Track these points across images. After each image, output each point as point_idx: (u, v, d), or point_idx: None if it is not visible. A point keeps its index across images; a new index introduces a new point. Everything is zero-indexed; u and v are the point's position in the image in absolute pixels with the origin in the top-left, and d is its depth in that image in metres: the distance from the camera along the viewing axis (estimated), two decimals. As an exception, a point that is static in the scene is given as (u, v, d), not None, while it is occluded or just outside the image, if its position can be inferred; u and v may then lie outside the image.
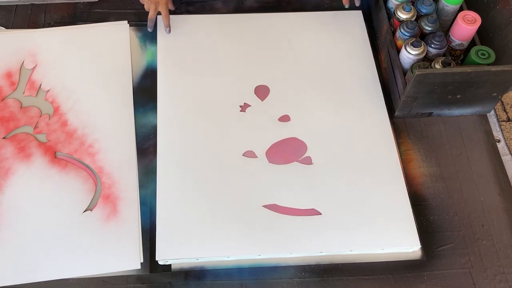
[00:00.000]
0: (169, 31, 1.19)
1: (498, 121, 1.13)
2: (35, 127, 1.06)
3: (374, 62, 1.18)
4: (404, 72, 1.08)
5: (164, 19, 1.18)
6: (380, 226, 0.96)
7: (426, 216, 1.00)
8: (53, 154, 1.03)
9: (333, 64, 1.17)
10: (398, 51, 1.09)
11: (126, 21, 1.22)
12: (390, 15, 1.16)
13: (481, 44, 1.10)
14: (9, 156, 1.03)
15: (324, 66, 1.17)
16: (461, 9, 1.13)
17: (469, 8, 1.14)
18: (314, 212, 0.97)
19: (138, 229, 0.96)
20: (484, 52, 1.04)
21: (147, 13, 1.19)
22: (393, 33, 1.13)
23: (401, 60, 1.08)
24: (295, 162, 1.04)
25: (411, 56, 1.05)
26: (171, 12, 1.22)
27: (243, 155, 1.04)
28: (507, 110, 1.86)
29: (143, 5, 1.20)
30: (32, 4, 1.25)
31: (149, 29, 1.19)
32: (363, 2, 1.27)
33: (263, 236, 0.95)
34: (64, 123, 1.07)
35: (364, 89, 1.14)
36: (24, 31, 1.20)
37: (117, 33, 1.20)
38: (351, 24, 1.24)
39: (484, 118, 1.12)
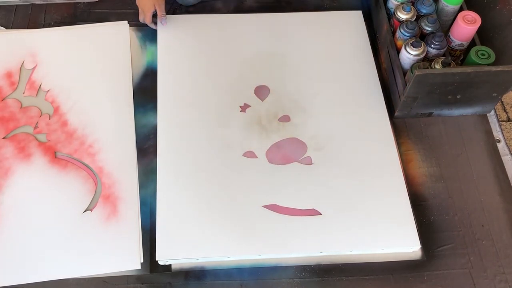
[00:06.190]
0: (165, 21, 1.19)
1: (498, 121, 1.13)
2: (35, 127, 1.06)
3: (374, 62, 1.18)
4: (404, 72, 1.07)
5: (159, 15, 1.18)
6: (380, 226, 0.96)
7: (426, 216, 1.00)
8: (53, 154, 1.03)
9: (333, 64, 1.17)
10: (398, 51, 1.09)
11: (126, 21, 1.22)
12: (390, 15, 1.16)
13: (481, 44, 1.10)
14: (9, 156, 1.03)
15: (324, 66, 1.17)
16: (461, 9, 1.13)
17: (469, 8, 1.14)
18: (314, 212, 0.97)
19: (138, 229, 0.96)
20: (484, 52, 1.04)
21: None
22: (393, 33, 1.13)
23: (401, 61, 1.08)
24: (295, 162, 1.03)
25: (411, 57, 1.05)
26: (174, 13, 1.23)
27: (243, 155, 1.04)
28: (507, 110, 1.86)
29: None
30: (32, 4, 1.25)
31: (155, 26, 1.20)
32: (363, 2, 1.27)
33: (263, 236, 0.95)
34: (64, 123, 1.07)
35: (364, 89, 1.14)
36: (24, 31, 1.20)
37: (117, 33, 1.20)
38: (351, 24, 1.24)
39: (484, 118, 1.12)
